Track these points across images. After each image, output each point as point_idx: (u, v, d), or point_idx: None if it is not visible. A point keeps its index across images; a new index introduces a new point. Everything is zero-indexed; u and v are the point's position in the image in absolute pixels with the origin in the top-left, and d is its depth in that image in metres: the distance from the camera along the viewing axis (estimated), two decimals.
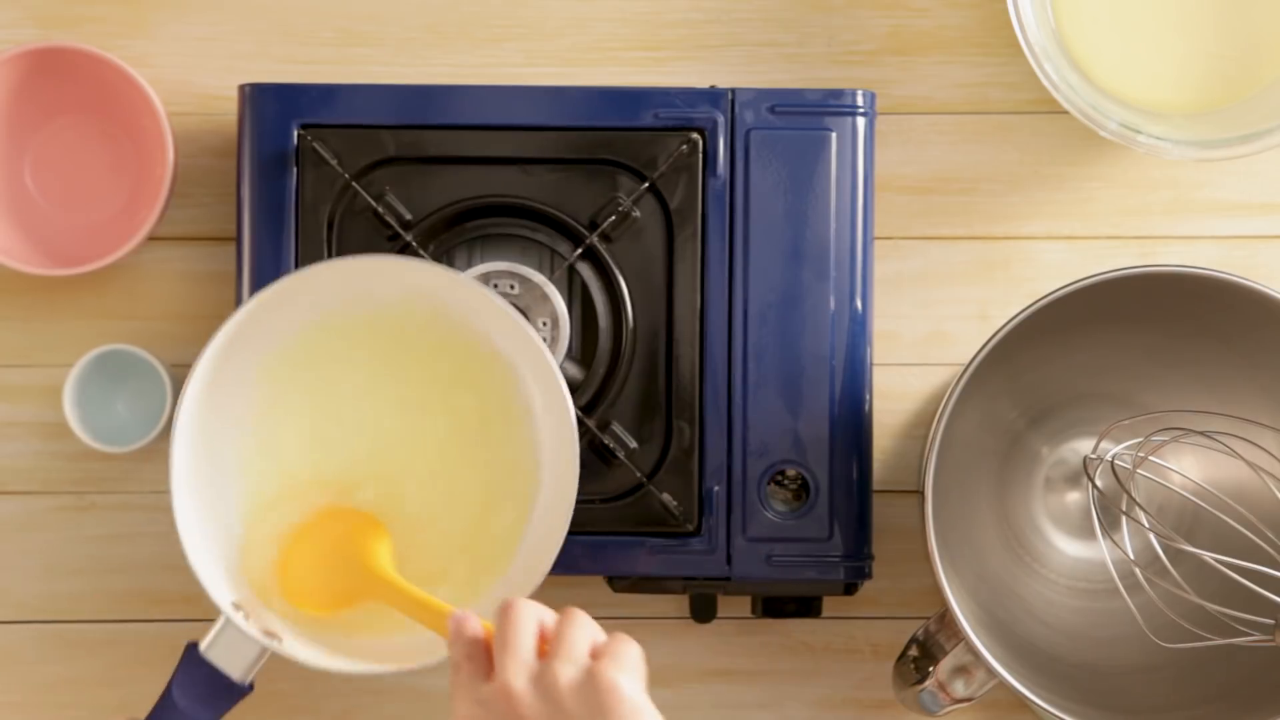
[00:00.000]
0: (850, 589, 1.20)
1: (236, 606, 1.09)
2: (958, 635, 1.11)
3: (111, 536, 1.25)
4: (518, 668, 0.95)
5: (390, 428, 1.14)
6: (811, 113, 1.20)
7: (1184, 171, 1.27)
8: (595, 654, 0.95)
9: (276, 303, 1.10)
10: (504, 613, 0.96)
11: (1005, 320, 1.10)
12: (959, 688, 1.13)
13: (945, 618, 1.13)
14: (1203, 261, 1.24)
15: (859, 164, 1.20)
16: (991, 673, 1.09)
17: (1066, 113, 1.20)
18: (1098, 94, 1.23)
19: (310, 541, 1.13)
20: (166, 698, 1.09)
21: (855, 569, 1.19)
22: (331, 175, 1.19)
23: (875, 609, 1.26)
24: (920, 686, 1.13)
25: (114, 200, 1.25)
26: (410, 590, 1.08)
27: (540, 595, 1.25)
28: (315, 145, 1.19)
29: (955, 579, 1.13)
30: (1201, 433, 1.14)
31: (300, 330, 1.13)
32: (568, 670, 0.94)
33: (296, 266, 1.19)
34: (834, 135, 1.19)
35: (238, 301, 1.19)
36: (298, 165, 1.19)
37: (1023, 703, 1.20)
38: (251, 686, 1.10)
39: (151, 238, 1.25)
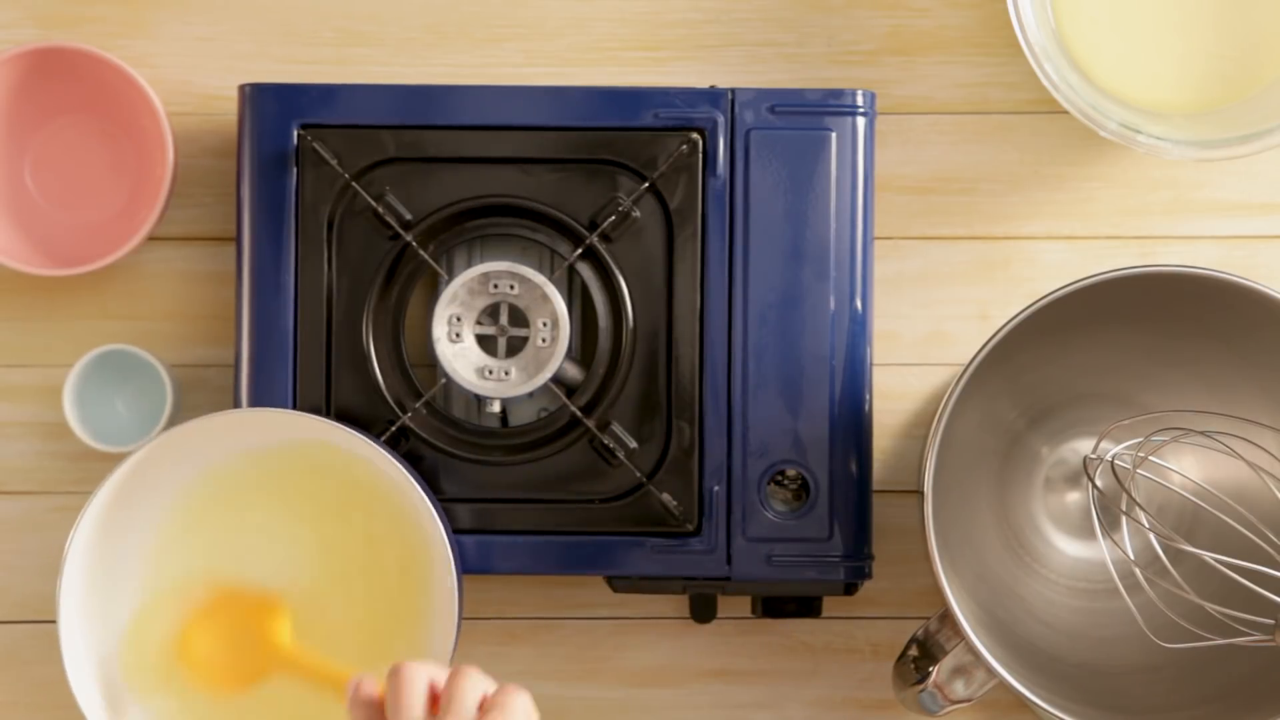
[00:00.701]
0: (850, 589, 1.20)
1: None
2: (958, 635, 1.11)
3: None
4: None
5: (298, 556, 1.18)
6: (811, 113, 1.20)
7: (1184, 171, 1.27)
8: (484, 707, 0.97)
9: (171, 449, 1.14)
10: (394, 674, 0.99)
11: (1005, 320, 1.10)
12: (959, 688, 1.13)
13: (945, 618, 1.13)
14: (1203, 261, 1.24)
15: (859, 164, 1.20)
16: (991, 673, 1.09)
17: (1066, 113, 1.20)
18: (1098, 94, 1.23)
19: (211, 622, 1.16)
20: None
21: (855, 569, 1.19)
22: (331, 175, 1.19)
23: (875, 609, 1.26)
24: (920, 686, 1.13)
25: (114, 200, 1.25)
26: (310, 660, 1.12)
27: (539, 594, 1.26)
28: (315, 145, 1.19)
29: (955, 579, 1.13)
30: (1201, 433, 1.14)
31: (201, 472, 1.16)
32: None
33: (297, 266, 1.19)
34: (834, 135, 1.19)
35: (238, 301, 1.19)
36: (298, 165, 1.19)
37: (1023, 703, 1.20)
38: None
39: (151, 238, 1.25)
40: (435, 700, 0.98)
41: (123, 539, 1.15)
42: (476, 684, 0.98)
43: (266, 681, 1.14)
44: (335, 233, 1.20)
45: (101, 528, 1.14)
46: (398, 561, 1.16)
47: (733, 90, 1.19)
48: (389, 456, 1.14)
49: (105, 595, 1.15)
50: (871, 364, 1.20)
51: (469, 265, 1.20)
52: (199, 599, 1.16)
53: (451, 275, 1.19)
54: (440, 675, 0.99)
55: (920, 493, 1.10)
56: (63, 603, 1.13)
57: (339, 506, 1.17)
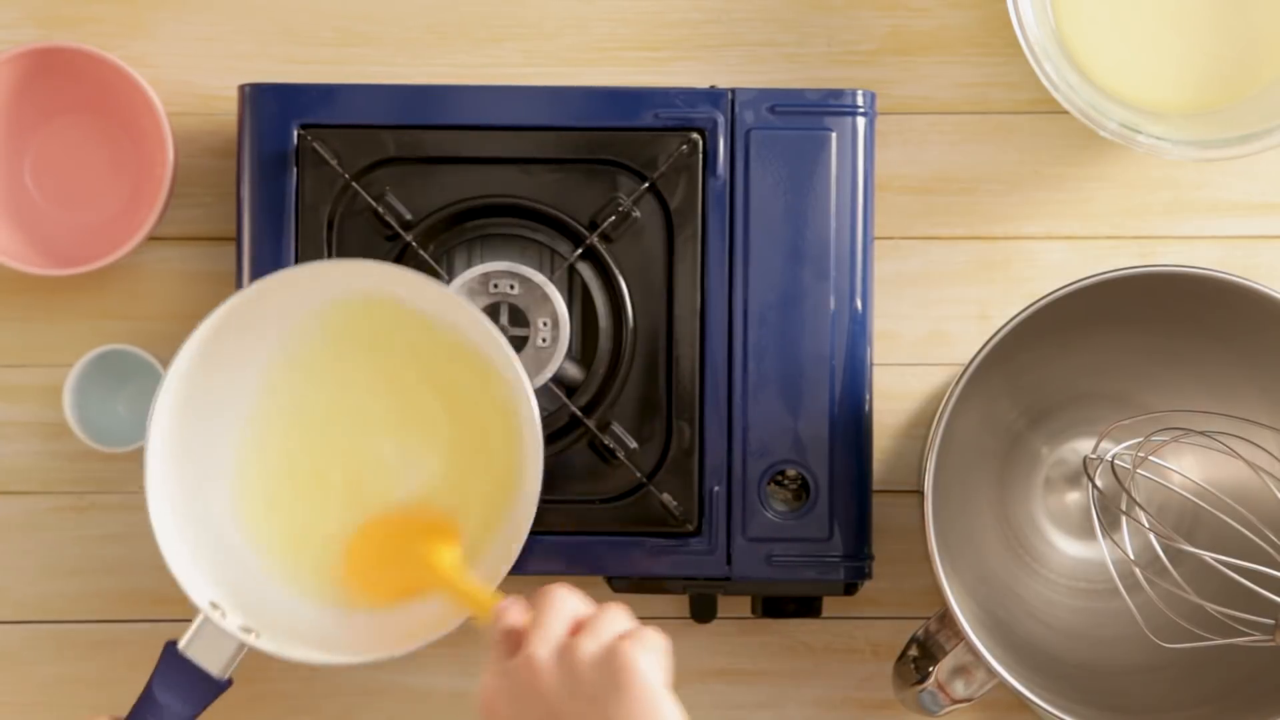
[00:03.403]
0: (850, 589, 1.20)
1: (214, 605, 1.12)
2: (958, 635, 1.11)
3: (111, 536, 1.25)
4: (544, 641, 0.99)
5: (387, 422, 1.16)
6: (811, 113, 1.20)
7: (1184, 171, 1.27)
8: (623, 638, 1.00)
9: (256, 300, 1.13)
10: (542, 594, 1.02)
11: (1005, 320, 1.10)
12: (959, 688, 1.13)
13: (945, 618, 1.13)
14: (1203, 261, 1.24)
15: (859, 164, 1.20)
16: (991, 673, 1.09)
17: (1066, 113, 1.20)
18: (1098, 94, 1.23)
19: (377, 537, 1.15)
20: (147, 694, 1.11)
21: (855, 569, 1.19)
22: (331, 175, 1.19)
23: (875, 609, 1.26)
24: (920, 686, 1.13)
25: (114, 200, 1.25)
26: (465, 583, 1.10)
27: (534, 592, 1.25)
28: (315, 145, 1.19)
29: (955, 579, 1.13)
30: (1201, 433, 1.14)
31: (286, 335, 1.15)
32: (590, 645, 0.98)
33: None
34: (834, 135, 1.19)
35: None
36: (298, 165, 1.19)
37: (1023, 703, 1.20)
38: (230, 682, 1.12)
39: (151, 238, 1.25)
40: (578, 628, 1.00)
41: (210, 400, 1.14)
42: (619, 618, 1.00)
43: (418, 598, 1.13)
44: (335, 233, 1.20)
45: (185, 389, 1.13)
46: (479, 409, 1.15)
47: (733, 90, 1.19)
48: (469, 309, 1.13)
49: (195, 463, 1.14)
50: (871, 364, 1.20)
51: (469, 265, 1.20)
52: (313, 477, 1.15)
53: (452, 275, 1.19)
54: (586, 608, 1.01)
55: (920, 493, 1.11)
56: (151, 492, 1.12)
57: (416, 363, 1.16)
